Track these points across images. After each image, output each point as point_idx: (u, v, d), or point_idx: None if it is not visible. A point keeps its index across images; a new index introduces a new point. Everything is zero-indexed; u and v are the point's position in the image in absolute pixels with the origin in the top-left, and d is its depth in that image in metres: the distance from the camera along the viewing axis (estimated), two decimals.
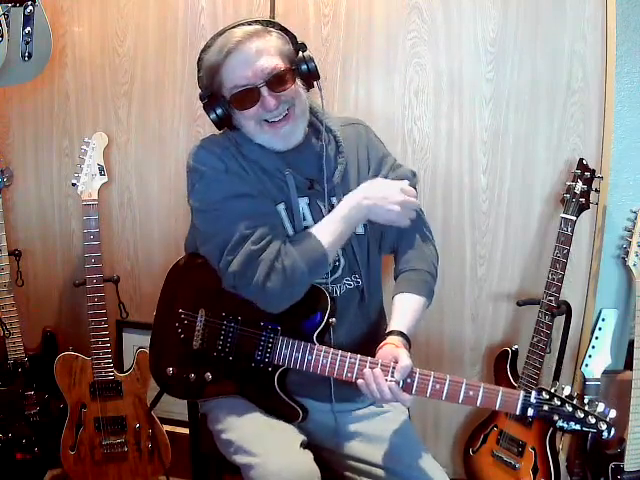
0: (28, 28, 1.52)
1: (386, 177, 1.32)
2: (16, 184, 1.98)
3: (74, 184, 1.78)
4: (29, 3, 1.48)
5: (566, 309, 1.68)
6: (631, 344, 1.67)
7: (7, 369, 1.84)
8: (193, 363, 1.28)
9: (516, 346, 1.76)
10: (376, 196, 1.22)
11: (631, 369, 1.65)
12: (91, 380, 1.81)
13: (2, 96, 1.94)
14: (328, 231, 1.19)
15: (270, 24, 1.21)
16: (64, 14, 1.87)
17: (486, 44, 1.71)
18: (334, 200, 1.26)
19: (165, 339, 1.34)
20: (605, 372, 1.70)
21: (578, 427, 1.03)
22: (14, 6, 1.46)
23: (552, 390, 1.05)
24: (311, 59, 1.21)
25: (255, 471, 1.12)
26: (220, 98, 1.20)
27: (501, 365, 1.77)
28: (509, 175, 1.77)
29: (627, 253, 1.69)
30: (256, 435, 1.20)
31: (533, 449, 1.68)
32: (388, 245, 1.36)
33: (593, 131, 1.70)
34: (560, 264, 1.62)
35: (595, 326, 1.72)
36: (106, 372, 1.81)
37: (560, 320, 1.69)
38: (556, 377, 1.72)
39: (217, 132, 1.30)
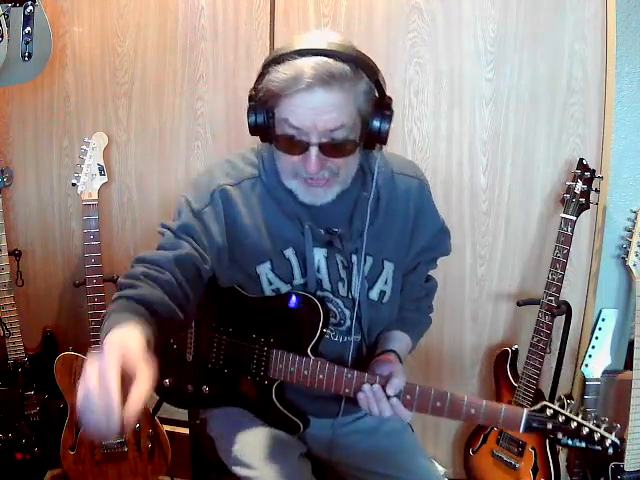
0: (28, 28, 1.52)
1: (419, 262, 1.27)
2: (16, 184, 1.98)
3: (74, 184, 1.78)
4: (29, 3, 1.48)
5: (566, 309, 1.68)
6: (631, 344, 1.67)
7: (7, 369, 1.84)
8: (189, 375, 1.24)
9: (516, 346, 1.76)
10: None
11: (631, 369, 1.65)
12: None
13: (2, 96, 1.94)
14: None
15: (362, 65, 1.00)
16: (64, 14, 1.87)
17: (486, 44, 1.71)
18: (354, 258, 1.16)
19: (160, 351, 1.30)
20: (605, 372, 1.70)
21: (583, 444, 1.01)
22: (14, 6, 1.46)
23: (557, 406, 1.03)
24: (388, 119, 1.05)
25: None
26: (269, 111, 1.05)
27: (501, 365, 1.77)
28: (509, 175, 1.77)
29: (627, 253, 1.69)
30: (254, 447, 1.17)
31: (533, 449, 1.68)
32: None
33: (593, 131, 1.70)
34: (560, 264, 1.61)
35: (595, 326, 1.72)
36: None
37: (560, 320, 1.69)
38: (556, 377, 1.72)
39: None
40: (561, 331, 1.71)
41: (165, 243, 1.10)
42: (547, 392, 1.71)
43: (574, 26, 1.66)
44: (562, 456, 1.80)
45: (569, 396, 1.65)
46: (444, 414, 1.07)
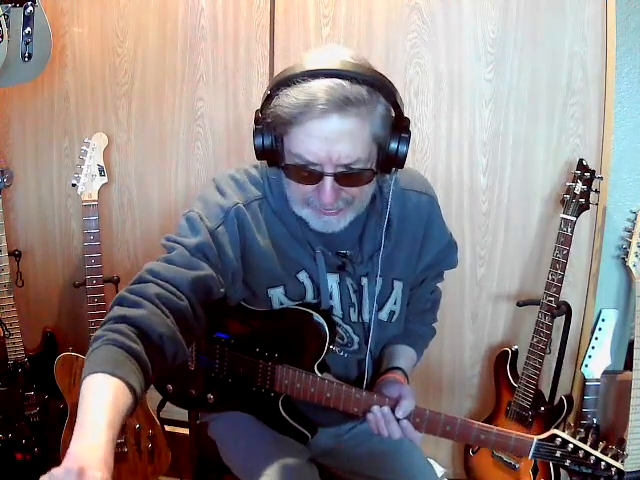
0: (28, 28, 1.52)
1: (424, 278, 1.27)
2: (16, 184, 1.98)
3: (74, 184, 1.77)
4: (29, 3, 1.49)
5: (566, 309, 1.68)
6: (631, 344, 1.67)
7: (7, 369, 1.84)
8: (193, 382, 1.21)
9: (516, 346, 1.76)
10: None
11: (631, 369, 1.65)
12: None
13: (2, 96, 1.94)
14: None
15: (378, 86, 0.93)
16: (64, 15, 1.87)
17: (486, 44, 1.71)
18: (364, 280, 1.14)
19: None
20: (605, 372, 1.70)
21: (589, 471, 1.03)
22: (14, 6, 1.47)
23: (566, 434, 1.03)
24: (405, 141, 0.98)
25: None
26: (276, 137, 0.99)
27: (501, 366, 1.77)
28: (509, 175, 1.77)
29: (627, 253, 1.69)
30: (260, 453, 1.15)
31: None
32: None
33: (593, 132, 1.70)
34: (560, 264, 1.62)
35: (595, 326, 1.72)
36: None
37: (560, 320, 1.69)
38: (556, 377, 1.72)
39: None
40: (561, 331, 1.71)
41: (178, 260, 1.00)
42: (547, 392, 1.71)
43: (574, 27, 1.66)
44: None
45: (569, 396, 1.65)
46: (454, 437, 1.06)
